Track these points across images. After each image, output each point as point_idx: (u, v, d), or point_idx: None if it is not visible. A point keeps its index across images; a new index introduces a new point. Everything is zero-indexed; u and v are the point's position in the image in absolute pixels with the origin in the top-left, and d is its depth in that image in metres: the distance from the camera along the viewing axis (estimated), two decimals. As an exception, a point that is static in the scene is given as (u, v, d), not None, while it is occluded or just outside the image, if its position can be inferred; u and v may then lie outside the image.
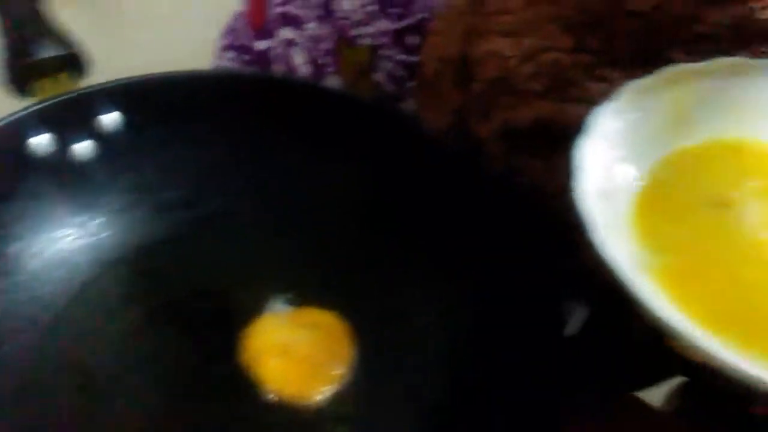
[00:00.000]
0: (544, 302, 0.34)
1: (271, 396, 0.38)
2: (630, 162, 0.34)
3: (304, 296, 0.41)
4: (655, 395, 0.46)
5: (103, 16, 0.65)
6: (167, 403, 0.38)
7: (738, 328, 0.29)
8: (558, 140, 0.45)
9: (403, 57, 0.57)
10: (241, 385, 0.38)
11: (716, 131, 0.35)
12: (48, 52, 0.42)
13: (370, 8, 0.56)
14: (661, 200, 0.33)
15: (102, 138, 0.42)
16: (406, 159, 0.42)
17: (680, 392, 0.51)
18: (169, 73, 0.43)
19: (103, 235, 0.43)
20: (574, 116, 0.44)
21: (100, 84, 0.42)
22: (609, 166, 0.33)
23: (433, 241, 0.40)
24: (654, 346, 0.35)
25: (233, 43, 0.58)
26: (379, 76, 0.56)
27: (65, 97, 0.40)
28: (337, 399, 0.38)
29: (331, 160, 0.43)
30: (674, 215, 0.33)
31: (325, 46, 0.55)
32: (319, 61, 0.56)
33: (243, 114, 0.43)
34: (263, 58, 0.57)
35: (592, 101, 0.43)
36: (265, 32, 0.57)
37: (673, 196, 0.33)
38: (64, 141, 0.41)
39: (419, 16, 0.56)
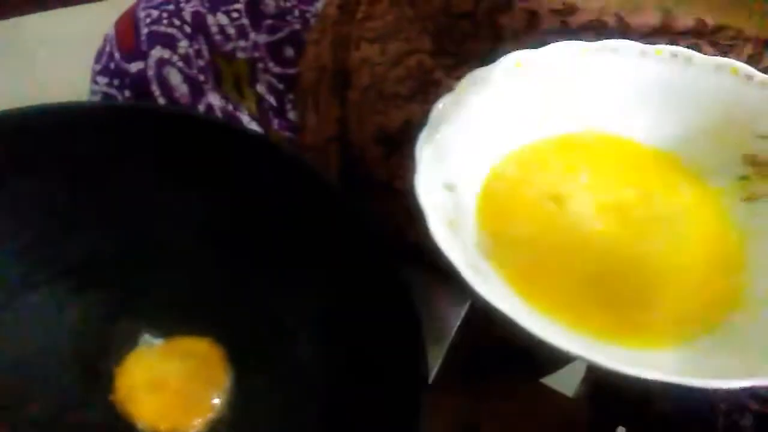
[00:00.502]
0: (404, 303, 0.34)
1: (145, 432, 0.37)
2: (475, 155, 0.34)
3: (174, 326, 0.40)
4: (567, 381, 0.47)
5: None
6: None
7: (574, 314, 0.30)
8: None
9: (279, 70, 0.56)
10: (113, 426, 0.37)
11: (554, 126, 0.36)
12: None
13: (242, 21, 0.55)
14: (503, 194, 0.34)
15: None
16: (263, 179, 0.41)
17: (587, 378, 0.52)
18: (41, 106, 0.42)
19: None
20: None
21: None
22: (453, 159, 0.33)
23: (294, 257, 0.40)
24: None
25: (105, 67, 0.57)
26: (259, 88, 0.56)
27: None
28: (215, 428, 0.38)
29: (189, 184, 0.42)
30: (515, 209, 0.33)
31: (200, 62, 0.54)
32: (197, 79, 0.55)
33: (113, 148, 0.42)
34: (138, 80, 0.56)
35: None
36: (136, 54, 0.55)
37: (511, 193, 0.34)
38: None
39: (292, 28, 0.56)
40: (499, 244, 0.32)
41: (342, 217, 0.37)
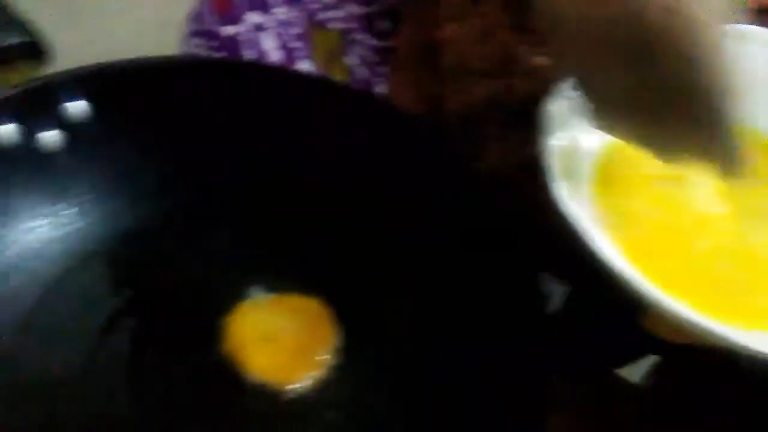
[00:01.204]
0: (522, 282, 0.34)
1: (256, 383, 0.38)
2: (592, 130, 0.35)
3: (284, 283, 0.41)
4: (633, 373, 0.47)
5: (65, 4, 0.63)
6: (148, 395, 0.37)
7: (685, 291, 0.30)
8: (510, 117, 0.47)
9: (373, 42, 0.56)
10: (225, 373, 0.38)
11: None
12: (9, 40, 0.40)
13: None
14: (619, 171, 0.35)
15: (69, 127, 0.40)
16: (382, 143, 0.42)
17: (656, 370, 0.53)
18: (137, 59, 0.42)
19: (76, 225, 0.42)
20: (522, 90, 0.45)
21: (64, 71, 0.41)
22: (573, 132, 0.34)
23: (410, 225, 0.41)
24: (629, 325, 0.37)
25: (199, 29, 0.57)
26: (350, 60, 0.56)
27: (30, 85, 0.39)
28: (323, 385, 0.38)
29: (306, 145, 0.42)
30: (631, 187, 0.34)
31: (295, 30, 0.55)
32: (290, 46, 0.55)
33: (215, 101, 0.42)
34: (231, 44, 0.56)
35: (537, 75, 0.44)
36: (232, 17, 0.56)
37: (630, 167, 0.34)
38: (30, 130, 0.39)
39: (388, 0, 0.56)
40: (614, 216, 0.33)
41: (465, 187, 0.37)
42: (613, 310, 0.38)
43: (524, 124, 0.46)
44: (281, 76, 0.43)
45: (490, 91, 0.47)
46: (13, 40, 0.38)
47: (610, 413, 0.42)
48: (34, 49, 0.39)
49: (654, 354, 0.47)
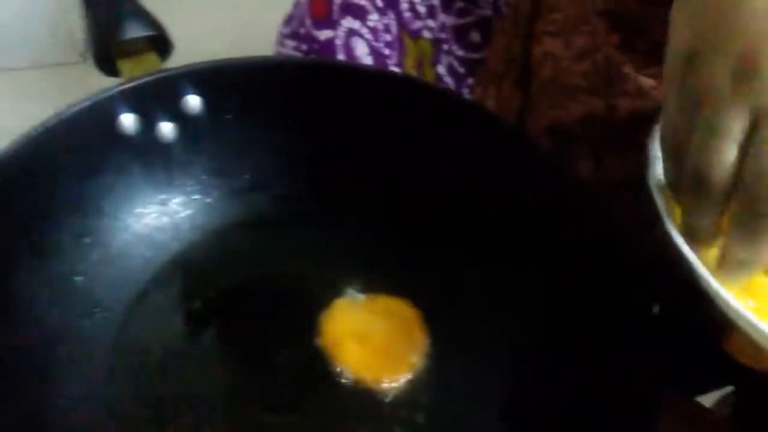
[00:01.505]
0: (624, 291, 0.34)
1: (347, 380, 0.39)
2: None
3: (376, 283, 0.42)
4: (707, 399, 0.47)
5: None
6: (243, 383, 0.39)
7: None
8: (607, 136, 0.47)
9: (463, 53, 0.57)
10: (317, 368, 0.39)
11: None
12: (134, 32, 0.42)
13: (433, 1, 0.57)
14: None
15: (183, 119, 0.42)
16: (474, 147, 0.42)
17: (730, 399, 0.52)
18: (251, 58, 0.44)
19: (183, 214, 0.44)
20: (625, 110, 0.46)
21: (183, 66, 0.43)
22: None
23: (504, 230, 0.41)
24: (711, 353, 0.37)
25: (295, 32, 0.59)
26: (439, 70, 0.57)
27: (152, 77, 0.41)
28: (412, 387, 0.39)
29: (403, 147, 0.43)
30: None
31: (387, 37, 0.56)
32: (381, 52, 0.56)
33: (320, 101, 0.43)
34: (325, 47, 0.57)
35: (642, 95, 0.45)
36: (326, 22, 0.57)
37: None
38: (148, 120, 0.41)
39: (482, 13, 0.57)
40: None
41: (566, 196, 0.38)
42: (698, 332, 0.38)
43: (624, 144, 0.46)
44: (386, 81, 0.44)
45: (589, 109, 0.47)
46: (141, 32, 0.40)
47: None
48: (160, 42, 0.41)
49: (733, 382, 0.47)
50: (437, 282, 0.42)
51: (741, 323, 0.29)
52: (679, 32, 0.30)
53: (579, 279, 0.37)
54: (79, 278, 0.40)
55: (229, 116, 0.43)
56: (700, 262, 0.30)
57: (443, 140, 0.43)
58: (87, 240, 0.40)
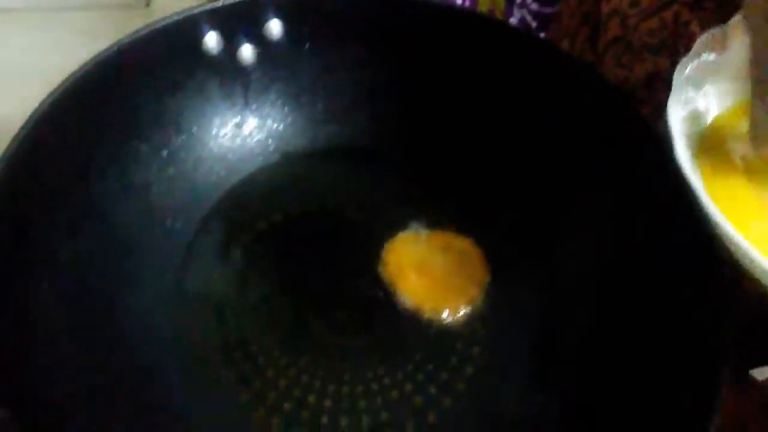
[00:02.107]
0: (693, 243, 0.34)
1: (408, 309, 0.40)
2: (707, 104, 0.37)
3: (439, 220, 0.43)
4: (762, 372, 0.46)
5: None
6: (307, 304, 0.40)
7: None
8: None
9: (536, 7, 0.57)
10: (379, 296, 0.40)
11: None
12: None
13: None
14: (722, 147, 0.36)
15: (263, 44, 0.43)
16: (545, 85, 0.42)
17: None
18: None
19: (256, 138, 0.45)
20: None
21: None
22: (690, 105, 0.36)
23: (571, 170, 0.41)
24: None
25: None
26: (511, 22, 0.57)
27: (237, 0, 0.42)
28: (470, 320, 0.40)
29: (476, 86, 0.43)
30: (732, 166, 0.34)
31: None
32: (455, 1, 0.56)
33: (398, 37, 0.44)
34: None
35: None
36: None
37: (734, 145, 0.35)
38: (231, 42, 0.42)
39: (561, -34, 0.57)
40: (716, 182, 0.34)
41: (631, 128, 0.38)
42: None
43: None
44: (468, 20, 0.44)
45: (654, 68, 0.47)
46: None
47: (735, 408, 0.41)
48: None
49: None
50: (500, 222, 0.43)
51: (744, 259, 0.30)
52: None
53: (647, 224, 0.37)
54: (154, 189, 0.41)
55: (308, 45, 0.43)
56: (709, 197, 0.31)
57: (515, 79, 0.43)
58: (164, 153, 0.42)
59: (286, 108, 0.45)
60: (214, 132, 0.43)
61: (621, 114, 0.39)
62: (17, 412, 0.28)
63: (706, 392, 0.29)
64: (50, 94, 0.36)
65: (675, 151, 0.33)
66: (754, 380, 0.42)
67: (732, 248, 0.31)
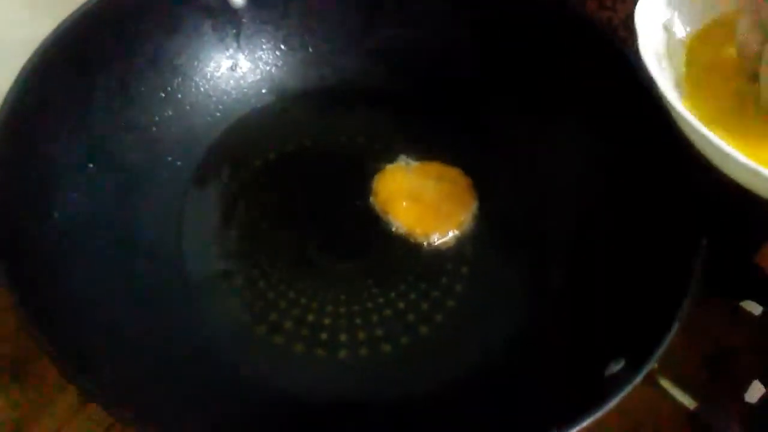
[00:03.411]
0: (675, 169, 0.36)
1: (401, 233, 0.42)
2: (681, 23, 0.37)
3: (428, 152, 0.45)
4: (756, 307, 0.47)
5: None
6: (304, 233, 0.42)
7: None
8: None
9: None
10: (373, 220, 0.42)
11: None
12: None
13: None
14: (705, 67, 0.36)
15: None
16: (528, 19, 0.43)
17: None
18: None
19: (250, 80, 0.46)
20: None
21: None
22: (664, 27, 0.36)
23: (554, 99, 0.43)
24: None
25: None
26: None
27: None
28: (459, 242, 0.42)
29: (461, 21, 0.45)
30: (716, 85, 0.35)
31: None
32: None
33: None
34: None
35: None
36: None
37: (715, 63, 0.36)
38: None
39: None
40: (696, 92, 0.35)
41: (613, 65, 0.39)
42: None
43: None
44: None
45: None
46: None
47: (725, 336, 0.43)
48: None
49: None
50: (488, 153, 0.44)
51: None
52: None
53: (636, 158, 0.39)
54: (154, 129, 0.43)
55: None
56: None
57: (499, 12, 0.44)
58: (162, 94, 0.43)
59: (277, 51, 0.46)
60: (209, 74, 0.45)
61: (595, 40, 0.40)
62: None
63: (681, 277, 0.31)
64: (46, 39, 0.37)
65: (644, 58, 0.34)
66: (744, 312, 0.44)
67: (707, 148, 0.32)
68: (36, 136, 0.37)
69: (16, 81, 0.36)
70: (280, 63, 0.47)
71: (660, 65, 0.34)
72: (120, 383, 0.31)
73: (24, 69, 0.36)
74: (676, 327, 0.30)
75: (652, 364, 0.29)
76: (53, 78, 0.37)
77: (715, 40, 0.37)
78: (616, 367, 0.30)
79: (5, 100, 0.35)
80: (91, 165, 0.39)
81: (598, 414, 0.28)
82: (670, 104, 0.32)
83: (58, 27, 0.37)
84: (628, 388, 0.29)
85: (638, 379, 0.29)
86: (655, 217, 0.36)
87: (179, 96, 0.44)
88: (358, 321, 0.39)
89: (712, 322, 0.43)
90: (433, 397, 0.36)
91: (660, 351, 0.29)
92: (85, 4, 0.38)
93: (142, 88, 0.42)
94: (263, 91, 0.46)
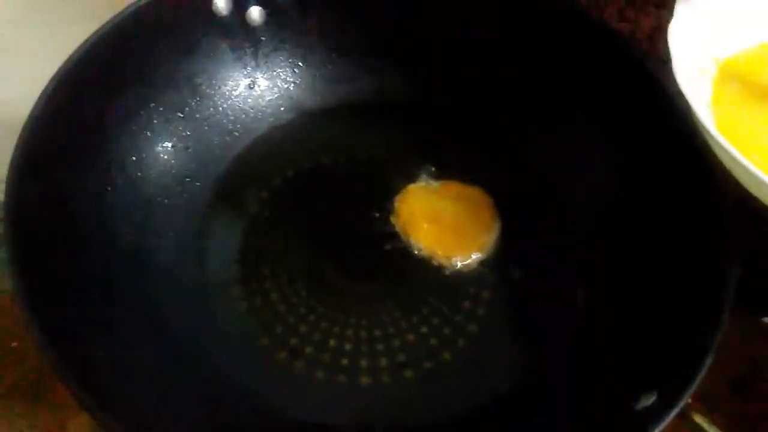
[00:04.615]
0: (701, 186, 0.35)
1: (421, 256, 0.41)
2: (717, 45, 0.37)
3: (450, 172, 0.44)
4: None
5: None
6: (324, 253, 0.41)
7: None
8: None
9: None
10: (394, 241, 0.42)
11: None
12: None
13: None
14: (739, 91, 0.36)
15: (272, 5, 0.44)
16: (548, 34, 0.43)
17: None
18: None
19: (268, 98, 0.46)
20: None
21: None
22: (698, 49, 0.36)
23: (577, 116, 0.42)
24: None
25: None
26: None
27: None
28: (481, 265, 0.41)
29: (480, 37, 0.44)
30: (750, 109, 0.35)
31: None
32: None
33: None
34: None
35: None
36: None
37: (751, 87, 0.35)
38: (240, 4, 0.43)
39: None
40: (728, 115, 0.35)
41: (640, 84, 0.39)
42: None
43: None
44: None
45: (659, 22, 0.47)
46: None
47: (752, 354, 0.42)
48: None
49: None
50: (509, 170, 0.44)
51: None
52: None
53: (650, 158, 0.38)
54: (172, 150, 0.42)
55: (316, 4, 0.44)
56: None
57: (519, 26, 0.43)
58: (180, 114, 0.43)
59: (295, 68, 0.46)
60: (227, 93, 0.44)
61: (619, 54, 0.40)
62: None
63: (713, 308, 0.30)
64: (67, 60, 0.37)
65: (678, 80, 0.33)
66: (766, 326, 0.43)
67: (742, 174, 0.31)
68: (55, 160, 0.36)
69: (36, 104, 0.35)
70: (298, 81, 0.46)
71: (693, 87, 0.34)
72: (140, 416, 0.30)
73: (44, 92, 0.36)
74: (710, 359, 0.30)
75: (687, 399, 0.29)
76: (72, 101, 0.37)
77: (751, 65, 0.37)
78: (647, 401, 0.30)
79: (25, 124, 0.35)
80: (109, 188, 0.39)
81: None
82: (705, 128, 0.32)
83: (77, 50, 0.37)
84: (662, 425, 0.28)
85: (672, 415, 0.28)
86: (687, 239, 0.35)
87: (197, 116, 0.43)
88: (379, 347, 0.38)
89: (737, 340, 0.42)
90: (457, 425, 0.36)
91: (694, 385, 0.29)
92: (103, 26, 0.38)
93: (161, 109, 0.42)
94: (281, 109, 0.46)
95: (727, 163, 0.32)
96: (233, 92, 0.45)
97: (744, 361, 0.42)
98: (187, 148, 0.43)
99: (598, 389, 0.34)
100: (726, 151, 0.31)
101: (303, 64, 0.46)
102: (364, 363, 0.38)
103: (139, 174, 0.41)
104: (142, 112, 0.41)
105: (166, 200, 0.42)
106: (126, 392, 0.32)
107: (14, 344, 0.40)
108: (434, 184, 0.44)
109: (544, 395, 0.36)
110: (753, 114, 0.36)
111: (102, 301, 0.36)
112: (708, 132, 0.31)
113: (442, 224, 0.42)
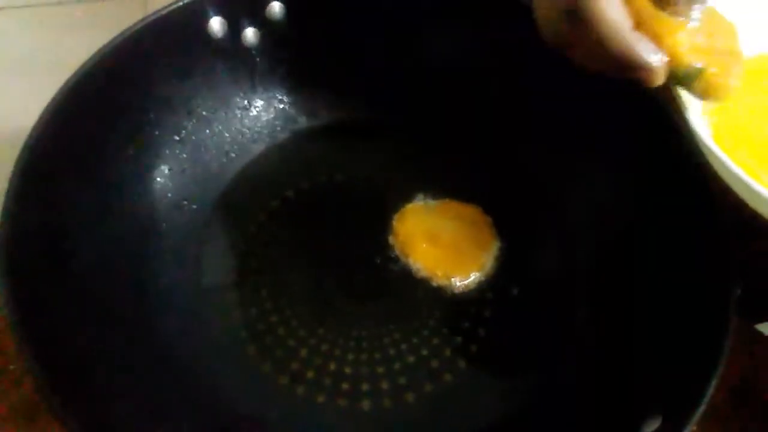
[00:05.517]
0: (701, 206, 0.35)
1: (420, 277, 0.41)
2: None
3: (447, 191, 0.44)
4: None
5: None
6: (322, 273, 0.41)
7: None
8: None
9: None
10: (392, 261, 0.41)
11: None
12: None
13: None
14: (733, 103, 0.37)
15: (267, 26, 0.44)
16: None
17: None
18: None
19: (265, 119, 0.46)
20: None
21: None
22: None
23: (579, 138, 0.42)
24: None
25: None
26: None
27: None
28: (481, 285, 0.41)
29: (478, 58, 0.44)
30: (744, 119, 0.35)
31: None
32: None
33: (400, 14, 0.44)
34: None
35: None
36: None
37: (745, 99, 0.36)
38: (234, 26, 0.43)
39: None
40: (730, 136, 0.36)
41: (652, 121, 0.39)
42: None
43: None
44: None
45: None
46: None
47: (746, 362, 0.42)
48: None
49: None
50: (507, 190, 0.44)
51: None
52: None
53: (660, 192, 0.38)
54: (169, 173, 0.42)
55: (311, 25, 0.44)
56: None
57: (516, 49, 0.43)
58: (176, 137, 0.43)
59: (291, 88, 0.46)
60: (223, 114, 0.44)
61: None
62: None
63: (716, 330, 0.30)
64: (64, 85, 0.37)
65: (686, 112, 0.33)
66: (760, 334, 0.44)
67: (745, 192, 0.31)
68: (52, 184, 0.36)
69: (34, 128, 0.35)
70: (294, 100, 0.46)
71: (691, 99, 0.34)
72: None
73: (41, 117, 0.35)
74: (715, 381, 0.30)
75: (693, 424, 0.29)
76: (70, 125, 0.37)
77: (749, 76, 0.37)
78: (652, 425, 0.30)
79: (23, 149, 0.35)
80: (105, 213, 0.39)
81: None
82: (708, 149, 0.32)
83: (74, 74, 0.37)
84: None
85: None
86: (688, 259, 0.35)
87: (194, 138, 0.43)
88: (380, 370, 0.38)
89: (734, 349, 0.42)
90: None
91: (702, 408, 0.28)
92: (100, 49, 0.38)
93: (157, 132, 0.42)
94: (278, 128, 0.46)
95: (723, 174, 0.32)
96: (229, 113, 0.45)
97: (741, 370, 0.42)
98: (183, 170, 0.43)
99: (602, 412, 0.34)
100: (721, 162, 0.31)
101: (298, 83, 0.46)
102: (365, 386, 0.38)
103: (134, 200, 0.40)
104: (137, 136, 0.41)
105: (163, 224, 0.41)
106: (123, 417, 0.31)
107: (12, 366, 0.39)
108: (432, 203, 0.44)
109: (546, 417, 0.36)
110: (751, 124, 0.36)
111: (99, 325, 0.35)
112: (711, 153, 0.32)
113: (440, 244, 0.42)
